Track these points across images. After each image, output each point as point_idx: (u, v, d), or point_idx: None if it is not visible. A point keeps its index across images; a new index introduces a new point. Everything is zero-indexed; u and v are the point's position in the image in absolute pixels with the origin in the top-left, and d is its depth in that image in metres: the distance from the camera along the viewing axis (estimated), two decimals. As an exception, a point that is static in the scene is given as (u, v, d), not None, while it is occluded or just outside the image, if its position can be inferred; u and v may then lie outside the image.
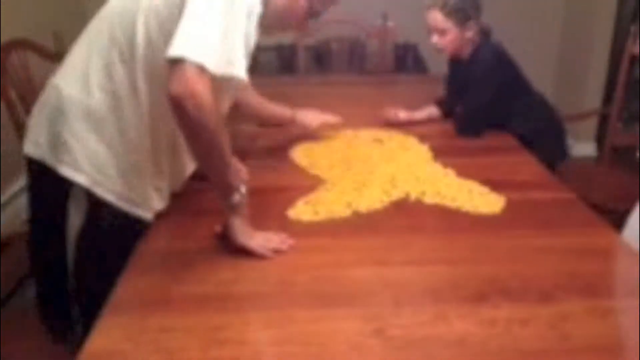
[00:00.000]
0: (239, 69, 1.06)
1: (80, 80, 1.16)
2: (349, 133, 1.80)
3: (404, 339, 0.89)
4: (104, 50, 1.15)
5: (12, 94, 1.88)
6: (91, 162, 1.15)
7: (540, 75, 3.71)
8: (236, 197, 1.12)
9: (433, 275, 1.08)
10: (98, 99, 1.15)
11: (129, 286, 1.04)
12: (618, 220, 1.43)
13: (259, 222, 1.28)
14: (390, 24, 3.08)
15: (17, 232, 1.91)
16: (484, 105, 1.80)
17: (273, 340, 0.90)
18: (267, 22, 1.18)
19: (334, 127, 1.76)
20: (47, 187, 1.20)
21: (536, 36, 3.71)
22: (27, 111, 1.87)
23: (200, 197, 1.31)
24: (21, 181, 2.71)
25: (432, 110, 1.98)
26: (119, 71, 1.14)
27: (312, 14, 1.27)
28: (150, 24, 1.11)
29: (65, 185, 1.16)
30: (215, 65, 1.00)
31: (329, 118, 1.74)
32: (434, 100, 2.02)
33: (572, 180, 1.93)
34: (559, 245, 1.17)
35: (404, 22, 3.19)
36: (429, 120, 1.95)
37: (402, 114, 1.92)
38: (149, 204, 1.23)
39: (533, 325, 0.92)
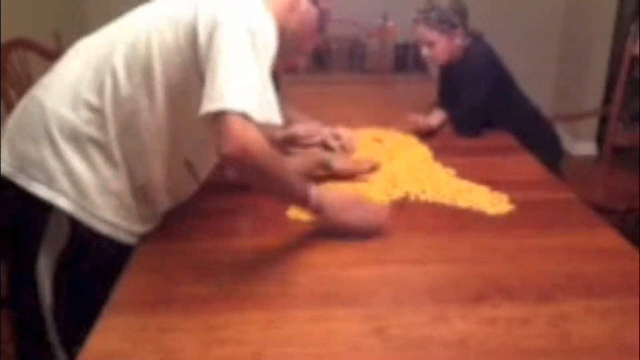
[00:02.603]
0: (275, 114, 1.05)
1: (69, 97, 1.10)
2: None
3: (404, 339, 0.89)
4: (99, 69, 1.10)
5: (12, 94, 1.87)
6: (74, 184, 1.08)
7: (540, 75, 3.73)
8: (313, 201, 1.12)
9: (433, 274, 1.08)
10: (85, 118, 1.09)
11: (129, 286, 1.04)
12: (618, 220, 1.43)
13: (258, 222, 1.28)
14: (390, 23, 3.08)
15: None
16: (479, 104, 1.80)
17: (273, 340, 0.90)
18: (283, 53, 1.14)
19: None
20: (21, 207, 1.10)
21: (536, 36, 3.71)
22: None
23: (200, 198, 1.30)
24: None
25: (440, 114, 1.93)
26: (110, 93, 1.09)
27: (323, 18, 1.26)
28: (152, 52, 1.08)
29: (42, 206, 1.08)
30: (257, 112, 0.99)
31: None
32: (434, 103, 2.02)
33: (572, 180, 1.94)
34: (559, 245, 1.17)
35: (404, 22, 3.18)
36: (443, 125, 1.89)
37: (422, 122, 1.84)
38: (132, 228, 1.17)
39: (533, 324, 0.92)
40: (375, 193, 1.39)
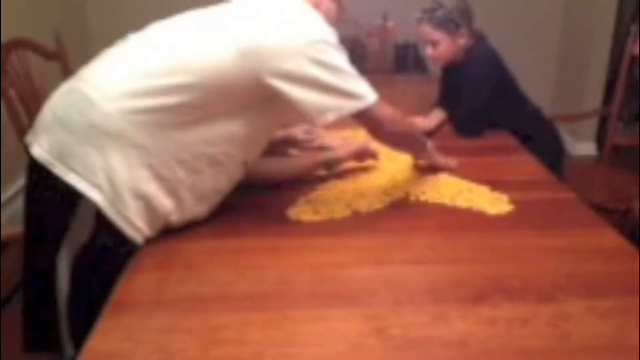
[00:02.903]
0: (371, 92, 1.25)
1: (120, 96, 1.11)
2: (348, 131, 1.80)
3: (404, 339, 0.89)
4: (159, 76, 1.12)
5: (12, 94, 1.87)
6: (110, 181, 1.10)
7: (540, 75, 3.73)
8: (429, 145, 1.48)
9: (433, 274, 1.08)
10: (133, 121, 1.11)
11: (129, 286, 1.04)
12: (618, 220, 1.43)
13: (258, 221, 1.28)
14: (390, 23, 3.08)
15: (17, 232, 1.91)
16: (481, 104, 1.80)
17: (273, 340, 0.90)
18: None
19: None
20: (51, 195, 1.13)
21: (536, 36, 3.71)
22: (28, 111, 1.87)
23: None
24: (21, 182, 2.71)
25: (440, 114, 1.94)
26: (166, 99, 1.11)
27: (341, 12, 1.38)
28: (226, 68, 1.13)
29: (71, 197, 1.10)
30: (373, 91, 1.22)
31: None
32: (434, 103, 2.02)
33: (572, 180, 1.94)
34: (559, 245, 1.17)
35: (404, 22, 3.18)
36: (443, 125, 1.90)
37: (421, 123, 1.87)
38: (152, 235, 1.18)
39: (533, 324, 0.92)
40: (376, 193, 1.39)
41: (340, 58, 1.18)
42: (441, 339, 0.89)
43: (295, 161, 1.54)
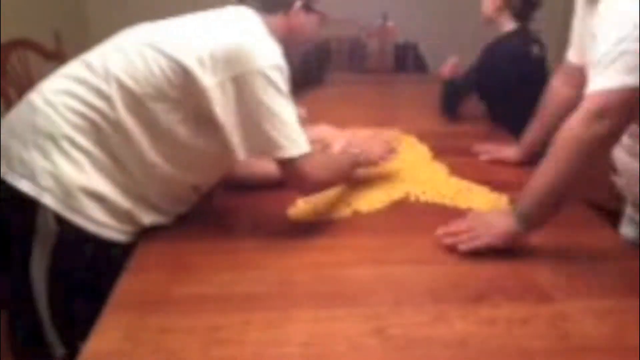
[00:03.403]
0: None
1: (60, 100, 1.12)
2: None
3: (404, 339, 0.89)
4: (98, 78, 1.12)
5: (12, 94, 1.88)
6: (59, 183, 1.09)
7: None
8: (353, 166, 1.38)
9: (433, 274, 1.08)
10: (75, 124, 1.11)
11: (129, 286, 1.04)
12: (618, 220, 1.43)
13: (258, 221, 1.28)
14: (390, 23, 3.09)
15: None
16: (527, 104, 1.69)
17: (273, 340, 0.90)
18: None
19: None
20: (11, 204, 1.11)
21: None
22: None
23: (199, 197, 1.30)
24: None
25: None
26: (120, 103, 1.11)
27: (323, 20, 1.32)
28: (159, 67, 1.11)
29: (31, 204, 1.09)
30: (307, 142, 1.15)
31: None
32: (466, 73, 1.98)
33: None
34: (559, 244, 1.17)
35: (404, 22, 3.19)
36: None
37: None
38: (123, 227, 1.17)
39: (533, 324, 0.92)
40: (376, 193, 1.39)
41: (275, 99, 1.11)
42: (441, 339, 0.89)
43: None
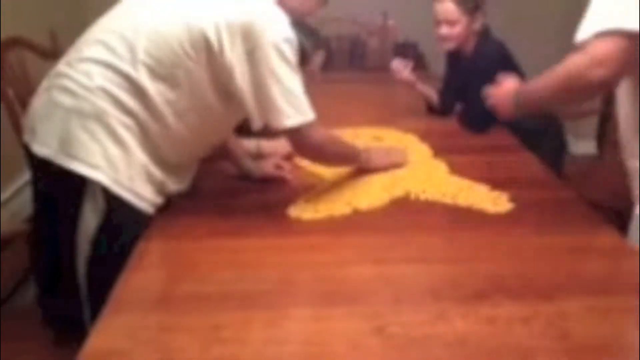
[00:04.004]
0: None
1: (96, 81, 1.17)
2: (348, 131, 1.80)
3: (404, 338, 0.89)
4: (123, 58, 1.18)
5: (10, 93, 1.87)
6: (107, 160, 1.16)
7: (540, 74, 3.72)
8: (363, 157, 1.47)
9: (433, 273, 1.08)
10: (113, 101, 1.17)
11: (129, 285, 1.04)
12: (618, 219, 1.43)
13: (259, 220, 1.28)
14: (390, 22, 3.09)
15: (17, 231, 1.91)
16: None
17: (273, 339, 0.90)
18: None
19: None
20: (56, 185, 1.20)
21: (536, 36, 3.71)
22: (25, 109, 1.86)
23: (200, 197, 1.31)
24: (21, 180, 2.71)
25: (432, 93, 1.99)
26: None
27: None
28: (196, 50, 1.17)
29: (77, 184, 1.16)
30: (312, 110, 1.23)
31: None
32: (438, 90, 2.02)
33: (573, 179, 1.94)
34: (559, 243, 1.17)
35: (404, 21, 3.18)
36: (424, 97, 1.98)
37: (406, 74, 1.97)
38: (151, 199, 1.24)
39: (533, 323, 0.92)
40: (376, 192, 1.39)
41: (285, 70, 1.18)
42: (441, 338, 0.89)
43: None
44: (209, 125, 1.28)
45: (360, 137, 1.78)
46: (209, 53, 1.17)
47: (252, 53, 1.16)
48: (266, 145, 1.58)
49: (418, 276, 1.07)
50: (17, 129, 1.83)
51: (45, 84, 1.26)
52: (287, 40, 1.18)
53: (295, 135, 1.24)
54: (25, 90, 1.92)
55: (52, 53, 2.09)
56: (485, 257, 1.13)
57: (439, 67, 2.18)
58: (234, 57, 1.16)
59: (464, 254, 1.14)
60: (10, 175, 2.65)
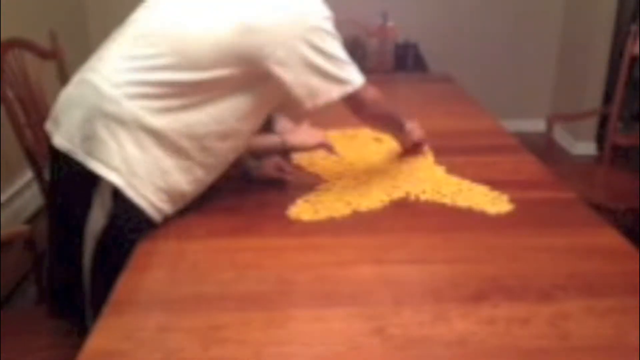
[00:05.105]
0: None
1: (126, 84, 1.16)
2: (349, 132, 1.80)
3: (404, 338, 0.89)
4: (156, 61, 1.17)
5: (10, 94, 1.87)
6: (125, 163, 1.16)
7: (540, 75, 3.73)
8: (408, 126, 1.56)
9: (433, 274, 1.08)
10: (141, 106, 1.16)
11: (129, 286, 1.04)
12: (618, 220, 1.43)
13: (258, 221, 1.28)
14: (390, 23, 3.08)
15: (17, 231, 1.90)
16: None
17: (273, 340, 0.90)
18: None
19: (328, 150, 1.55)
20: (73, 180, 1.21)
21: (536, 36, 3.72)
22: (25, 110, 1.86)
23: (201, 197, 1.30)
24: (21, 181, 2.71)
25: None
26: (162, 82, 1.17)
27: None
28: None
29: (91, 182, 1.17)
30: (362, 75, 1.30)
31: (321, 138, 1.54)
32: None
33: (573, 180, 1.94)
34: (559, 244, 1.17)
35: (404, 22, 3.18)
36: None
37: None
38: (162, 208, 1.22)
39: (533, 324, 0.92)
40: (375, 192, 1.39)
41: (334, 44, 1.24)
42: (441, 339, 0.89)
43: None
44: (232, 139, 1.27)
45: (360, 137, 1.78)
46: (248, 42, 1.16)
47: (298, 40, 1.18)
48: (292, 139, 1.52)
49: (418, 277, 1.07)
50: (17, 129, 1.83)
51: (77, 76, 1.25)
52: (327, 18, 1.23)
53: (353, 99, 1.30)
54: (25, 90, 1.92)
55: (52, 53, 2.09)
56: (485, 257, 1.13)
57: (439, 67, 2.18)
58: (276, 45, 1.17)
59: (464, 255, 1.14)
60: (11, 175, 2.65)
